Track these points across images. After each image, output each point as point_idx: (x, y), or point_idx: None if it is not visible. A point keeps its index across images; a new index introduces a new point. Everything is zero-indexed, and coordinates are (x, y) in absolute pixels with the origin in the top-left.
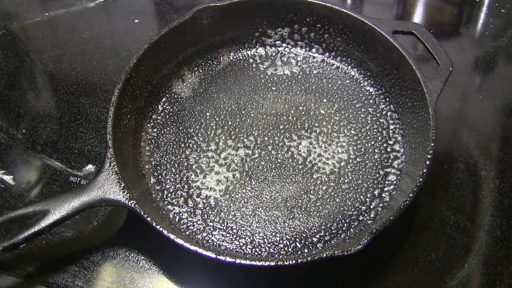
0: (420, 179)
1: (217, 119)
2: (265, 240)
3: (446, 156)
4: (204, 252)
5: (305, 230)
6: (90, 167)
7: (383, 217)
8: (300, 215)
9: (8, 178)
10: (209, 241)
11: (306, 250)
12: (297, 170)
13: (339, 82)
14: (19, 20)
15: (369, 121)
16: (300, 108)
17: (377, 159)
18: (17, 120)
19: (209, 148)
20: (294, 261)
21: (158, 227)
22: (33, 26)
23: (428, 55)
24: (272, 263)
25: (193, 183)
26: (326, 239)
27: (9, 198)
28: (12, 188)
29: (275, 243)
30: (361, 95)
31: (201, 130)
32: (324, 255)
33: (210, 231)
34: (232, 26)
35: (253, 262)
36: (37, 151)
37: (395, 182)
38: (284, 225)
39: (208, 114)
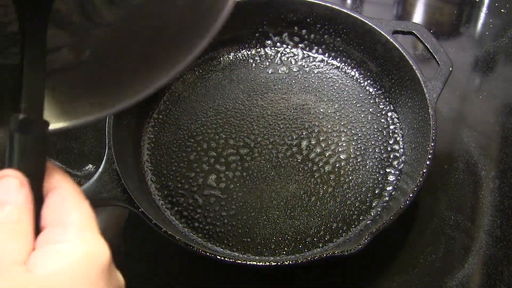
0: (420, 179)
1: (217, 118)
2: (266, 240)
3: (446, 156)
4: (204, 252)
5: (305, 230)
6: (90, 167)
7: (383, 217)
8: (300, 215)
9: None
10: (209, 240)
11: (306, 250)
12: (297, 170)
13: (339, 82)
14: None
15: (369, 121)
16: (300, 107)
17: (377, 159)
18: None
19: (210, 147)
20: (294, 261)
21: (158, 226)
22: None
23: (428, 55)
24: (272, 263)
25: (193, 182)
26: (326, 239)
27: None
28: None
29: (276, 243)
30: (361, 95)
31: (202, 130)
32: (324, 255)
33: (210, 231)
34: (232, 26)
35: (253, 262)
36: None
37: (395, 182)
38: (284, 225)
39: (208, 113)
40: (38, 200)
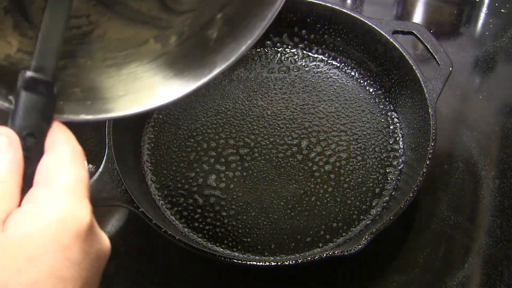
0: (420, 179)
1: (217, 118)
2: (266, 240)
3: (446, 156)
4: (204, 252)
5: (305, 230)
6: (90, 167)
7: (383, 217)
8: (300, 215)
9: None
10: (209, 240)
11: (306, 250)
12: (297, 169)
13: (339, 82)
14: None
15: (369, 121)
16: (300, 107)
17: (377, 159)
18: None
19: (210, 147)
20: (294, 261)
21: (158, 226)
22: None
23: (428, 55)
24: (272, 263)
25: (193, 182)
26: (326, 239)
27: None
28: None
29: (276, 243)
30: (361, 95)
31: (202, 130)
32: (324, 255)
33: (210, 231)
34: None
35: (253, 262)
36: None
37: (395, 182)
38: (284, 225)
39: (208, 113)
40: (38, 157)
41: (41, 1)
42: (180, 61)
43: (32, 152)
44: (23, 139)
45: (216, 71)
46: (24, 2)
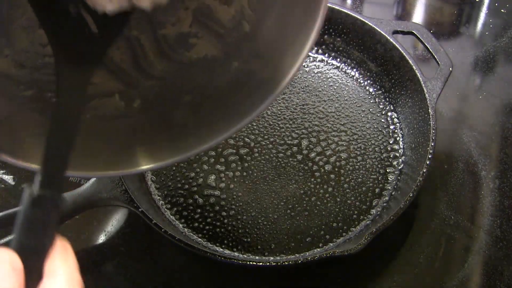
0: (420, 179)
1: None
2: (266, 240)
3: (446, 156)
4: (204, 252)
5: (305, 230)
6: None
7: (383, 217)
8: (300, 215)
9: (8, 178)
10: (209, 240)
11: (306, 250)
12: (297, 170)
13: (339, 82)
14: None
15: (369, 121)
16: (300, 107)
17: (377, 159)
18: None
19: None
20: (294, 261)
21: (158, 226)
22: None
23: (428, 55)
24: (272, 263)
25: (193, 182)
26: (326, 239)
27: (9, 198)
28: (12, 188)
29: (276, 243)
30: (361, 95)
31: None
32: (324, 255)
33: (210, 231)
34: None
35: (253, 262)
36: None
37: (395, 182)
38: (284, 225)
39: None
40: (37, 275)
41: (24, 20)
42: (141, 132)
43: (33, 270)
44: (25, 258)
45: (174, 158)
46: (3, 17)
